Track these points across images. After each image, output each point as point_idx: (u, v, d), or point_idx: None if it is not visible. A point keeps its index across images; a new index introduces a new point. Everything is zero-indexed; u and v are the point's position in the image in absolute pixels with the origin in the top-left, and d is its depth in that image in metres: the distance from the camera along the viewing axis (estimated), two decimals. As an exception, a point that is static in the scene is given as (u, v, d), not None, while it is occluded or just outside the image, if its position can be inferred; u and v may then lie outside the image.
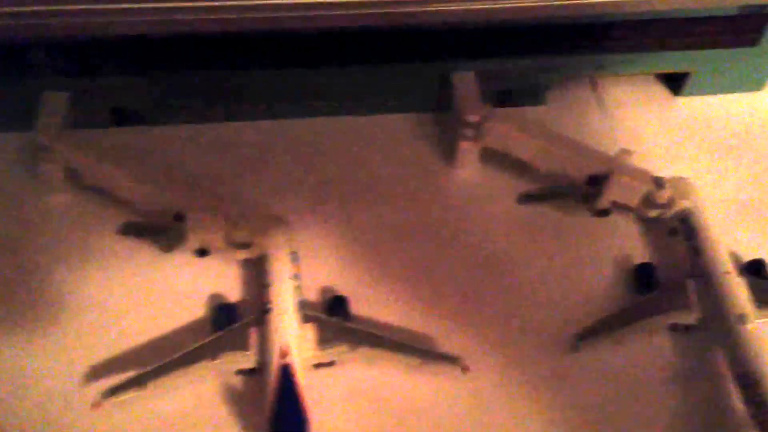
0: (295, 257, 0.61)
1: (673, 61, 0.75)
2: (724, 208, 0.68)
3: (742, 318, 0.57)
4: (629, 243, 0.68)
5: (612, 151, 0.67)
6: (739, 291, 0.59)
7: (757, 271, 0.64)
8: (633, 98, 0.79)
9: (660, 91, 0.80)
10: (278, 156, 0.72)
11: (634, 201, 0.66)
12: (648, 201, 0.65)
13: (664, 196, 0.64)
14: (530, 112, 0.76)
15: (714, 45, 0.72)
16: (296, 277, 0.60)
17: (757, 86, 0.78)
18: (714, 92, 0.78)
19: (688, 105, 0.78)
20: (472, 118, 0.68)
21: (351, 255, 0.65)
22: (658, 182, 0.65)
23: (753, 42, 0.72)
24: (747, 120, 0.77)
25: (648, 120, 0.77)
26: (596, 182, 0.67)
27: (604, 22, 0.69)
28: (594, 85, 0.79)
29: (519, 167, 0.70)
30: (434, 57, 0.71)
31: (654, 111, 0.78)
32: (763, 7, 0.69)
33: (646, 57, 0.74)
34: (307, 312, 0.59)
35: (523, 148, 0.69)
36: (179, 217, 0.62)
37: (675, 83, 0.79)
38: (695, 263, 0.63)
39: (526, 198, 0.71)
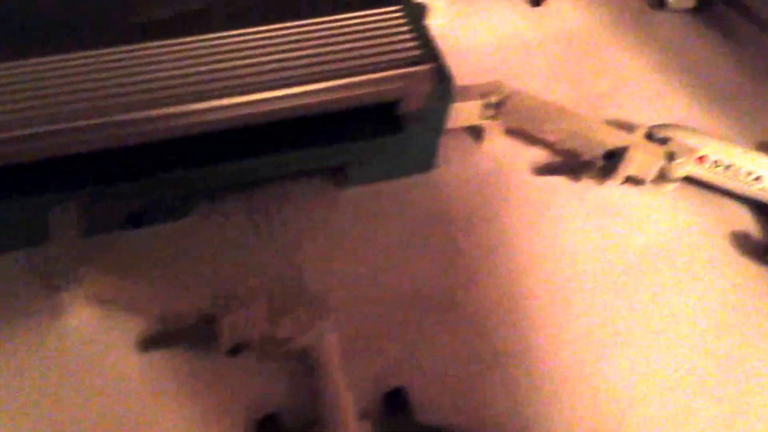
0: None
1: (331, 156, 0.66)
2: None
3: None
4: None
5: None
6: None
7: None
8: (294, 197, 0.69)
9: (324, 186, 0.70)
10: None
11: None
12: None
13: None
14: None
15: (373, 134, 0.65)
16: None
17: (428, 167, 0.72)
18: (383, 179, 0.70)
19: (357, 196, 0.70)
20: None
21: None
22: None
23: (399, 129, 0.65)
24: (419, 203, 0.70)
25: (314, 217, 0.68)
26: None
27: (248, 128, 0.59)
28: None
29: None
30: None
31: (319, 207, 0.68)
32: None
33: (301, 156, 0.64)
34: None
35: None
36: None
37: (340, 176, 0.69)
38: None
39: (150, 343, 0.60)
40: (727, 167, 0.68)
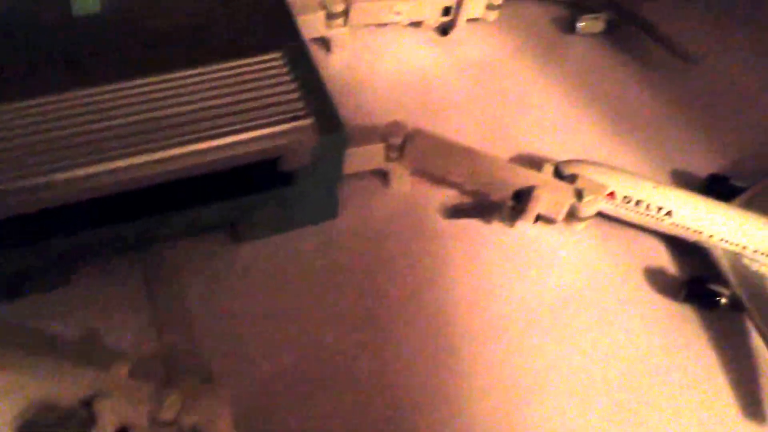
0: None
1: (220, 212, 0.61)
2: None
3: None
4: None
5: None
6: None
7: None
8: (188, 257, 0.64)
9: (219, 243, 0.65)
10: None
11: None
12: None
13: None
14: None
15: (263, 189, 0.60)
16: None
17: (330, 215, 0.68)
18: (282, 231, 0.66)
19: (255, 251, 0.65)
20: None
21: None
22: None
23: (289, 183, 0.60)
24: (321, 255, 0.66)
25: (209, 276, 0.63)
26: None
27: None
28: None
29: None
30: None
31: (214, 266, 0.64)
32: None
33: (187, 215, 0.60)
34: None
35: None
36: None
37: (236, 230, 0.65)
38: None
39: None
40: (638, 203, 0.66)
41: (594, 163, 0.68)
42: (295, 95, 0.56)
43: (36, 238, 0.56)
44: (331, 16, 0.78)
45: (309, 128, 0.55)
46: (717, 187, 0.70)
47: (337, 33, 0.80)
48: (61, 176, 0.50)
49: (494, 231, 0.69)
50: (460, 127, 0.75)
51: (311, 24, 0.77)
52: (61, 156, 0.51)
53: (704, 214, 0.65)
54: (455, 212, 0.70)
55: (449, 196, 0.71)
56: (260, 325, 0.61)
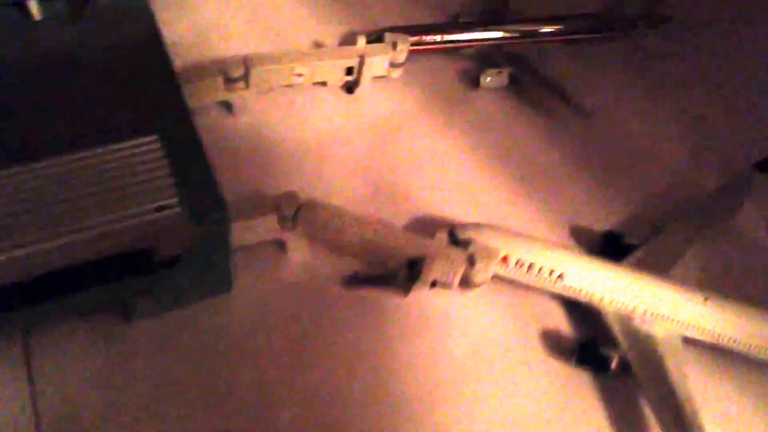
0: None
1: (103, 293, 0.58)
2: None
3: None
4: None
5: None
6: None
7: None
8: (68, 341, 0.61)
9: (105, 323, 0.63)
10: None
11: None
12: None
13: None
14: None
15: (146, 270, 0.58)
16: None
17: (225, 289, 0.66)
18: (173, 307, 0.64)
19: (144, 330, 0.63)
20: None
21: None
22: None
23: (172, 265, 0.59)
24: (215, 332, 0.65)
25: (96, 362, 0.61)
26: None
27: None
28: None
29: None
30: None
31: (101, 350, 0.62)
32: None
33: (70, 301, 0.57)
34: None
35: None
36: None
37: (124, 309, 0.63)
38: None
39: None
40: (530, 267, 0.66)
41: (488, 227, 0.68)
42: (168, 182, 0.55)
43: None
44: (230, 81, 0.77)
45: (178, 217, 0.54)
46: (611, 246, 0.71)
47: (239, 96, 0.79)
48: None
49: (392, 299, 0.69)
50: (358, 192, 0.75)
51: (210, 89, 0.77)
52: None
53: (594, 276, 0.65)
54: (352, 281, 0.69)
55: (348, 264, 0.70)
56: (151, 408, 0.60)
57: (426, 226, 0.72)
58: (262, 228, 0.68)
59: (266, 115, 0.81)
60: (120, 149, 0.57)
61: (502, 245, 0.66)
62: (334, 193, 0.73)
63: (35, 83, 0.61)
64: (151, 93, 0.63)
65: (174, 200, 0.55)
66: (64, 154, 0.56)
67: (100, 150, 0.57)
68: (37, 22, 0.64)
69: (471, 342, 0.67)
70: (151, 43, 0.67)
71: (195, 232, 0.56)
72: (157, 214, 0.53)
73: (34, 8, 0.64)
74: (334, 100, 0.83)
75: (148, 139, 0.58)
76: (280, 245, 0.70)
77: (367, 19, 0.89)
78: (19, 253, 0.51)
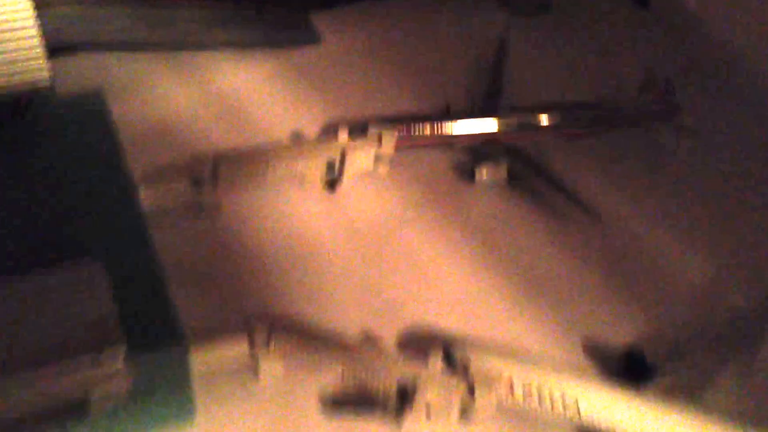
0: None
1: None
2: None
3: None
4: None
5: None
6: None
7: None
8: None
9: None
10: None
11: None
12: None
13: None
14: None
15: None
16: None
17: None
18: None
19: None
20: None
21: None
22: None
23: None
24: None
25: None
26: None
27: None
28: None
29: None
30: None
31: None
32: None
33: None
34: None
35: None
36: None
37: None
38: None
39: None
40: (540, 397, 0.57)
41: (488, 349, 0.60)
42: (107, 313, 0.47)
43: None
44: (197, 181, 0.70)
45: (118, 360, 0.45)
46: (633, 369, 0.62)
47: (208, 197, 0.71)
48: None
49: (382, 430, 0.59)
50: (342, 303, 0.66)
51: (175, 191, 0.69)
52: None
53: (616, 409, 0.56)
54: (334, 407, 0.60)
55: (329, 385, 0.61)
56: None
57: (419, 341, 0.63)
58: (233, 354, 0.59)
59: (238, 218, 0.72)
60: (56, 275, 0.48)
61: (505, 370, 0.57)
62: (315, 305, 0.65)
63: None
64: (102, 204, 0.56)
65: (114, 337, 0.46)
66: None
67: (33, 276, 0.48)
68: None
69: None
70: (106, 146, 0.60)
71: (141, 369, 0.47)
72: (95, 364, 0.44)
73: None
74: (314, 199, 0.75)
75: (90, 262, 0.49)
76: (249, 368, 0.61)
77: (349, 109, 0.82)
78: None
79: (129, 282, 0.51)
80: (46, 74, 0.57)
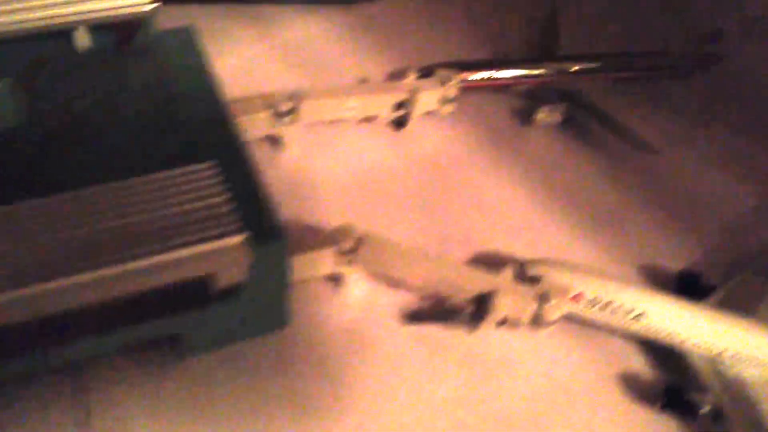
0: None
1: (156, 328, 0.55)
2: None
3: None
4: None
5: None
6: None
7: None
8: (121, 376, 0.58)
9: (157, 359, 0.59)
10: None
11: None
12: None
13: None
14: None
15: (200, 304, 0.55)
16: None
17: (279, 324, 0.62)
18: (226, 343, 0.60)
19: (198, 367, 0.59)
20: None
21: None
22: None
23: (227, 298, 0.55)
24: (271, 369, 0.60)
25: (146, 396, 0.57)
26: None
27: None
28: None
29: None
30: None
31: (152, 385, 0.58)
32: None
33: (118, 334, 0.53)
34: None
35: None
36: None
37: (176, 345, 0.59)
38: None
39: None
40: (606, 305, 0.62)
41: (558, 263, 0.64)
42: (227, 208, 0.52)
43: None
44: (279, 115, 0.74)
45: (241, 245, 0.50)
46: (688, 286, 0.66)
47: (287, 131, 0.76)
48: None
49: (455, 337, 0.64)
50: (414, 228, 0.71)
51: (258, 123, 0.74)
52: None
53: (677, 316, 0.61)
54: (413, 318, 0.65)
55: (408, 299, 0.66)
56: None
57: (490, 264, 0.67)
58: (318, 262, 0.64)
59: (314, 150, 0.78)
60: (178, 175, 0.53)
61: (575, 282, 0.62)
62: (386, 229, 0.69)
63: (95, 111, 0.59)
64: (205, 122, 0.61)
65: (237, 226, 0.51)
66: (121, 180, 0.52)
67: (157, 175, 0.53)
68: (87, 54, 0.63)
69: (539, 385, 0.62)
70: (201, 74, 0.65)
71: (256, 259, 0.52)
72: (220, 241, 0.49)
73: (83, 38, 0.63)
74: (382, 137, 0.80)
75: (206, 164, 0.55)
76: (335, 280, 0.66)
77: (414, 57, 0.86)
78: (76, 279, 0.47)
79: (235, 186, 0.55)
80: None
